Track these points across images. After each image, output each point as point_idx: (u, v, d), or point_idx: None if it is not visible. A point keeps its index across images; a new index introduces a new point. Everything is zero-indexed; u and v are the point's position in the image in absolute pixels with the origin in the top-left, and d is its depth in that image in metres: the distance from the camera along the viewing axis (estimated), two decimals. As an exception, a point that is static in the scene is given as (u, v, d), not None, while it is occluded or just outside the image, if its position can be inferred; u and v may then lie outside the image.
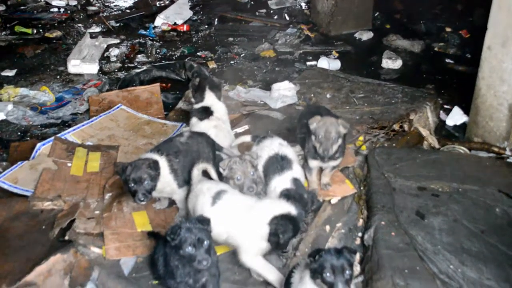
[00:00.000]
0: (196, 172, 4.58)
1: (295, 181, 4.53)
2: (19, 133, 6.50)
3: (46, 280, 4.16)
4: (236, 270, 4.18)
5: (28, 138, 6.34)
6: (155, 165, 4.36)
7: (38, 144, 5.71)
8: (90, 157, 5.51)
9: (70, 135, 6.00)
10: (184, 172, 4.59)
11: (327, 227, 4.66)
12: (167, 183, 4.51)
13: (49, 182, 5.07)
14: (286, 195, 4.30)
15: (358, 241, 4.60)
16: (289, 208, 3.91)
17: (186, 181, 4.60)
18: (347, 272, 3.19)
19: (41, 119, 6.78)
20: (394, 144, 5.74)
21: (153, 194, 4.43)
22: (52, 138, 5.78)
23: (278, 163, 4.62)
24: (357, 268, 4.32)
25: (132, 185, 4.25)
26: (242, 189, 4.39)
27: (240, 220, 3.97)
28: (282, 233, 3.81)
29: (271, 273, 4.03)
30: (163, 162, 4.49)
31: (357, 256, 4.40)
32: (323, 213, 4.77)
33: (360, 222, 4.76)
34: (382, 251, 4.20)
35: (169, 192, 4.62)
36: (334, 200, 4.89)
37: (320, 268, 3.20)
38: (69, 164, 5.39)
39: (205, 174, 4.59)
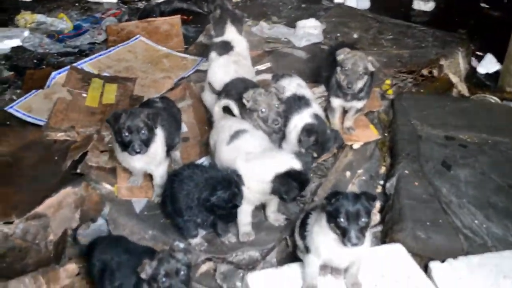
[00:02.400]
0: (217, 108, 4.47)
1: (316, 116, 4.34)
2: (34, 61, 6.33)
3: (56, 213, 4.11)
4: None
5: (44, 66, 6.18)
6: (154, 117, 3.90)
7: (54, 73, 5.62)
8: (106, 88, 5.38)
9: (86, 65, 5.88)
10: (169, 140, 4.25)
11: (348, 173, 4.52)
12: (160, 150, 4.09)
13: (63, 112, 4.96)
14: (309, 129, 4.16)
15: (379, 189, 4.48)
16: (292, 163, 3.66)
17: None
18: (363, 219, 3.01)
19: (57, 47, 6.60)
20: (422, 90, 5.55)
21: (141, 163, 4.08)
22: (68, 67, 5.67)
23: (295, 103, 4.42)
24: (376, 217, 4.20)
25: (127, 134, 3.77)
26: (266, 121, 4.22)
27: (245, 167, 3.78)
28: (285, 193, 3.64)
29: (244, 227, 3.94)
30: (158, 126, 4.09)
31: (377, 204, 4.29)
32: (344, 158, 4.62)
33: (383, 169, 4.63)
34: (404, 201, 4.07)
35: (156, 163, 4.13)
36: (356, 145, 4.73)
37: (335, 212, 3.04)
38: (84, 95, 5.27)
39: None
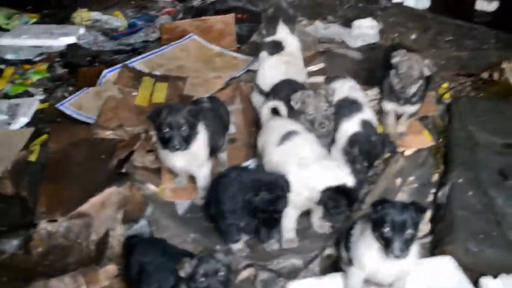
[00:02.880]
0: (265, 110, 4.42)
1: (365, 123, 4.21)
2: (88, 58, 6.41)
3: (99, 212, 4.12)
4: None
5: (97, 64, 6.25)
6: (195, 114, 3.85)
7: (105, 71, 5.67)
8: (157, 87, 5.39)
9: (138, 63, 5.91)
10: (213, 141, 4.19)
11: (398, 180, 4.39)
12: (202, 150, 4.06)
13: (113, 111, 4.99)
14: (352, 140, 4.05)
15: (430, 198, 4.30)
16: (346, 179, 3.56)
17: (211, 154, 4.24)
18: (409, 230, 2.88)
19: (111, 45, 6.67)
20: (481, 95, 5.33)
21: (182, 162, 4.03)
22: (120, 65, 5.71)
23: (346, 107, 4.30)
24: (426, 227, 4.05)
25: (167, 130, 3.72)
26: (313, 124, 4.13)
27: (296, 173, 3.69)
28: (333, 208, 3.56)
29: (287, 233, 3.88)
30: (200, 124, 3.99)
31: (428, 214, 4.12)
32: (395, 165, 4.48)
33: (435, 177, 4.44)
34: (457, 211, 3.91)
35: (198, 163, 4.13)
36: (408, 152, 4.59)
37: (380, 220, 2.92)
38: (134, 93, 5.29)
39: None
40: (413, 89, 4.33)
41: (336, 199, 3.53)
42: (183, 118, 3.76)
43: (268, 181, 3.53)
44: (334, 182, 3.52)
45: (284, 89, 4.52)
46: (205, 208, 4.04)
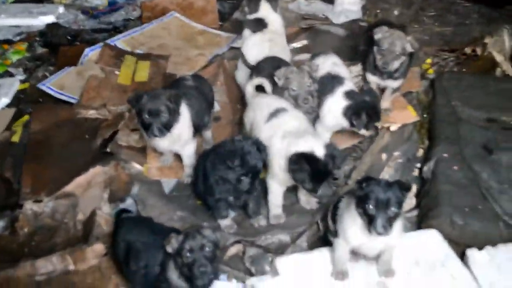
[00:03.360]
0: (250, 87, 4.41)
1: (349, 94, 4.26)
2: (68, 38, 6.34)
3: (85, 192, 4.11)
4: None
5: (78, 43, 6.19)
6: (176, 99, 3.85)
7: (87, 50, 5.61)
8: (139, 66, 5.35)
9: (120, 41, 5.86)
10: (196, 119, 4.18)
11: (384, 156, 4.41)
12: (185, 130, 4.04)
13: (95, 90, 4.97)
14: (356, 110, 4.13)
15: (416, 173, 4.35)
16: (316, 148, 3.49)
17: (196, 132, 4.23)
18: (393, 208, 2.92)
19: (92, 23, 6.60)
20: (464, 70, 5.38)
21: (165, 143, 4.04)
22: (101, 44, 5.64)
23: (329, 82, 4.32)
24: (412, 202, 4.09)
25: (147, 117, 3.73)
26: (296, 100, 4.15)
27: (278, 143, 3.69)
28: (293, 172, 3.53)
29: (274, 209, 3.90)
30: (182, 104, 4.00)
31: (413, 188, 4.17)
32: (381, 140, 4.51)
33: (420, 152, 4.49)
34: (442, 186, 3.95)
35: (181, 143, 4.10)
36: (393, 127, 4.61)
37: (364, 197, 2.97)
38: (116, 72, 5.25)
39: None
40: (395, 65, 4.36)
41: (299, 164, 3.48)
42: (163, 105, 3.76)
43: (235, 149, 3.50)
44: (301, 148, 3.49)
45: (268, 66, 4.53)
46: (193, 185, 4.05)
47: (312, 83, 4.18)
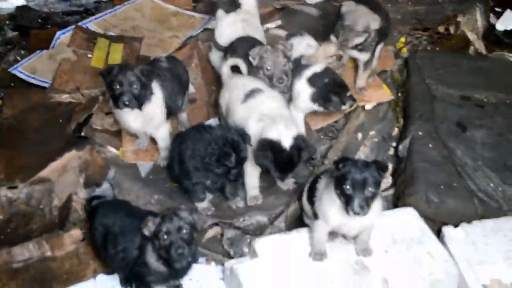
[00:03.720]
0: (225, 68, 4.37)
1: (314, 76, 4.22)
2: (39, 20, 6.18)
3: (60, 177, 4.05)
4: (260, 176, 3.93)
5: (49, 26, 6.03)
6: (148, 73, 3.78)
7: (58, 33, 5.50)
8: (112, 48, 5.26)
9: (92, 24, 5.73)
10: (170, 101, 4.12)
11: (359, 135, 4.41)
12: (158, 111, 3.97)
13: (68, 74, 4.86)
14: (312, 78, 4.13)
15: (391, 152, 4.39)
16: (283, 137, 3.47)
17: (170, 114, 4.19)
18: (370, 189, 2.92)
19: (63, 6, 6.44)
20: (437, 48, 5.38)
21: (137, 123, 3.98)
22: (73, 26, 5.53)
23: (299, 66, 4.28)
24: (388, 180, 4.10)
25: (118, 87, 3.65)
26: (271, 79, 4.10)
27: (254, 126, 3.67)
28: (256, 157, 3.54)
29: (251, 190, 3.87)
30: (156, 85, 3.96)
31: (389, 167, 4.17)
32: (356, 120, 4.51)
33: (395, 131, 4.51)
34: (417, 163, 3.97)
35: (154, 125, 4.02)
36: (368, 106, 4.60)
37: (341, 178, 2.95)
38: (89, 55, 5.16)
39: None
40: (355, 41, 4.30)
41: (263, 150, 3.48)
42: (134, 76, 3.70)
43: (219, 136, 3.47)
44: (270, 135, 3.48)
45: (242, 46, 4.45)
46: (169, 168, 4.01)
47: (287, 62, 4.13)
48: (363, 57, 4.52)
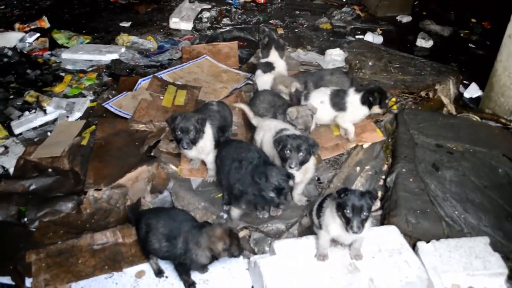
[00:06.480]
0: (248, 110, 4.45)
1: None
2: (127, 70, 6.31)
3: (133, 185, 4.08)
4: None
5: (134, 75, 6.15)
6: (202, 121, 3.82)
7: (140, 80, 5.57)
8: (178, 93, 5.29)
9: (165, 75, 5.81)
10: (218, 135, 4.16)
11: (358, 168, 4.34)
12: (208, 144, 3.98)
13: (145, 110, 4.91)
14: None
15: (381, 182, 4.30)
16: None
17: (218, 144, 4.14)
18: (365, 213, 2.94)
19: (145, 61, 6.56)
20: (420, 108, 5.29)
21: (193, 153, 3.98)
22: (151, 76, 5.60)
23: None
24: (377, 204, 4.03)
25: (179, 133, 3.71)
26: (300, 129, 4.15)
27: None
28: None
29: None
30: (208, 125, 3.97)
31: (379, 194, 4.11)
32: (356, 156, 4.44)
33: (385, 167, 4.44)
34: (400, 193, 3.89)
35: (205, 153, 4.02)
36: (366, 145, 4.55)
37: (343, 204, 2.96)
38: (161, 97, 5.20)
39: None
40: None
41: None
42: (191, 125, 3.73)
43: (281, 174, 3.39)
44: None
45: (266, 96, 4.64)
46: (218, 181, 3.99)
47: (311, 120, 4.23)
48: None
